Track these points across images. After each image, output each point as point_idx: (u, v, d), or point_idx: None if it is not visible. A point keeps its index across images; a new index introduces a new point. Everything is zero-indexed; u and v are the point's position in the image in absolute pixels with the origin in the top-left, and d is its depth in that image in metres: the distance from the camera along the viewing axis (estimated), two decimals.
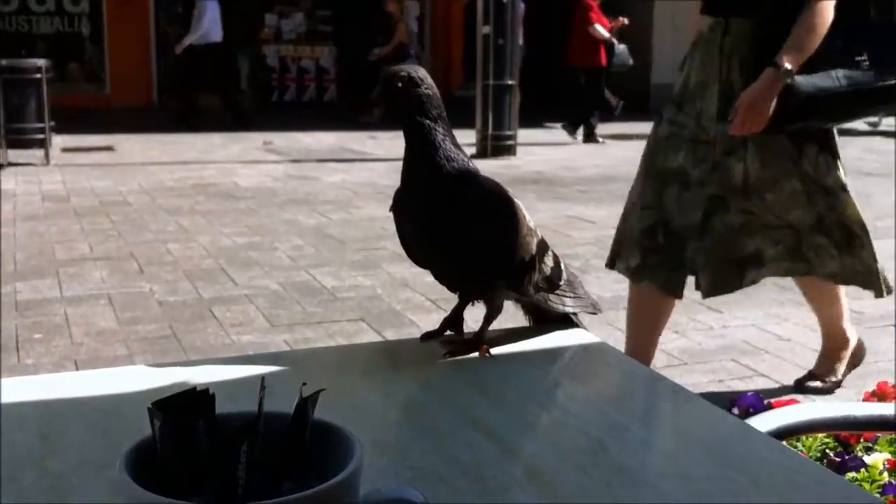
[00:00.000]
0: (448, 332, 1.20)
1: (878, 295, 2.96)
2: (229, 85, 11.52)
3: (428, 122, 1.14)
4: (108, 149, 9.47)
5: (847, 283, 2.94)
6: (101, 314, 3.96)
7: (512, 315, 1.30)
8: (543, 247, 1.18)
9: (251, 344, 3.61)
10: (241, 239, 5.41)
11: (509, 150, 9.29)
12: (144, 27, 14.30)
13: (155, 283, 4.45)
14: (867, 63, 2.61)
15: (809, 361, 3.46)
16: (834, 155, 2.94)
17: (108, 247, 5.20)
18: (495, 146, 9.25)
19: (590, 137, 10.71)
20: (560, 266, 1.21)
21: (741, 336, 3.74)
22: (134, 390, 0.99)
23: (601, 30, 10.41)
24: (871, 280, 2.92)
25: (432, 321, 3.83)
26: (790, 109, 2.55)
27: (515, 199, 1.17)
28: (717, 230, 2.81)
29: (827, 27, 2.51)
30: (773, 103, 2.54)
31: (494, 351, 1.14)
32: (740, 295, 4.29)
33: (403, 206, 1.19)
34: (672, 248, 2.89)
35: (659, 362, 3.46)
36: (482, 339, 1.15)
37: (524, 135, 9.80)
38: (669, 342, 3.66)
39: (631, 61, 11.00)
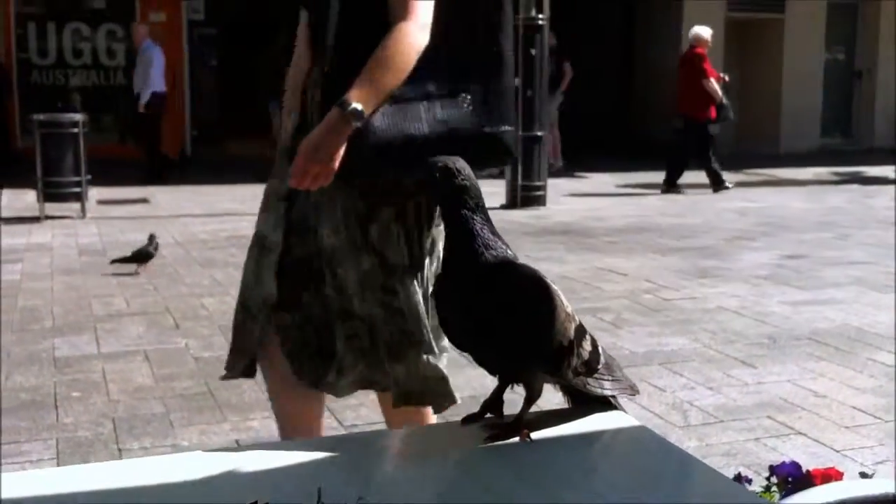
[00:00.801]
0: (488, 415, 1.23)
1: (441, 409, 2.18)
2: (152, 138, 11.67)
3: (466, 212, 1.17)
4: (143, 201, 9.62)
5: (403, 402, 2.10)
6: (137, 370, 4.00)
7: (552, 395, 1.32)
8: (581, 331, 1.21)
9: None
10: None
11: (539, 201, 9.33)
12: (179, 78, 14.54)
13: (191, 338, 4.50)
14: (468, 104, 1.98)
15: (847, 418, 3.44)
16: (419, 223, 2.08)
17: (144, 301, 5.26)
18: (525, 197, 9.30)
19: (672, 187, 10.68)
20: (598, 350, 1.23)
21: (777, 392, 3.72)
22: (184, 480, 1.02)
23: (715, 85, 10.42)
24: (429, 394, 2.11)
25: (466, 378, 3.84)
26: (361, 158, 1.93)
27: (553, 286, 1.20)
28: (309, 305, 2.15)
29: (411, 57, 1.90)
30: (342, 150, 1.92)
31: (534, 435, 1.16)
32: (775, 350, 4.29)
33: (444, 291, 1.22)
34: (243, 323, 2.29)
35: (694, 419, 3.44)
36: (522, 423, 1.17)
37: (553, 184, 9.85)
38: (704, 398, 3.65)
39: (732, 116, 11.02)
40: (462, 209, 1.17)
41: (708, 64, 10.51)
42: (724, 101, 10.60)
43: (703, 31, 10.74)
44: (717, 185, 10.58)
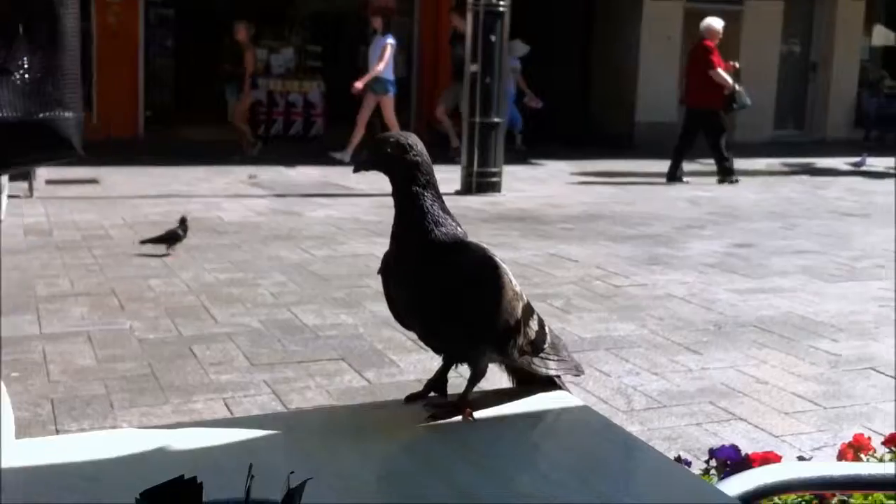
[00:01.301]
0: (432, 394, 1.22)
1: None
2: None
3: (417, 188, 1.16)
4: (93, 181, 9.46)
5: None
6: (79, 351, 3.94)
7: (496, 375, 1.32)
8: (529, 311, 1.20)
9: (230, 383, 3.60)
10: (224, 275, 5.41)
11: (494, 187, 9.34)
12: (133, 60, 14.32)
13: (135, 319, 4.44)
14: (17, 85, 1.48)
15: (787, 404, 3.49)
16: None
17: (89, 282, 5.18)
18: (480, 183, 9.30)
19: (673, 178, 10.70)
20: (545, 330, 1.23)
21: (720, 378, 3.77)
22: (120, 456, 1.00)
23: (724, 74, 10.46)
24: None
25: (413, 361, 3.84)
26: None
27: (502, 264, 1.19)
28: None
29: None
30: None
31: (478, 414, 1.15)
32: (720, 337, 4.34)
33: (392, 269, 1.21)
34: None
35: (638, 404, 3.48)
36: (466, 402, 1.16)
37: (509, 171, 9.87)
38: (648, 384, 3.68)
39: (749, 101, 11.07)
40: (413, 185, 1.16)
41: (717, 55, 10.58)
42: (738, 87, 10.71)
43: (715, 23, 10.84)
44: (724, 174, 10.65)
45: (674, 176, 10.71)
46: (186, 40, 16.66)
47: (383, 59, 11.36)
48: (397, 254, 1.17)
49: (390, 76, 11.51)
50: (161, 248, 5.93)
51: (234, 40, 12.89)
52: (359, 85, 11.47)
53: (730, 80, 10.54)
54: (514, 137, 13.60)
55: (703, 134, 10.76)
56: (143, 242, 5.96)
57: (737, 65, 11.23)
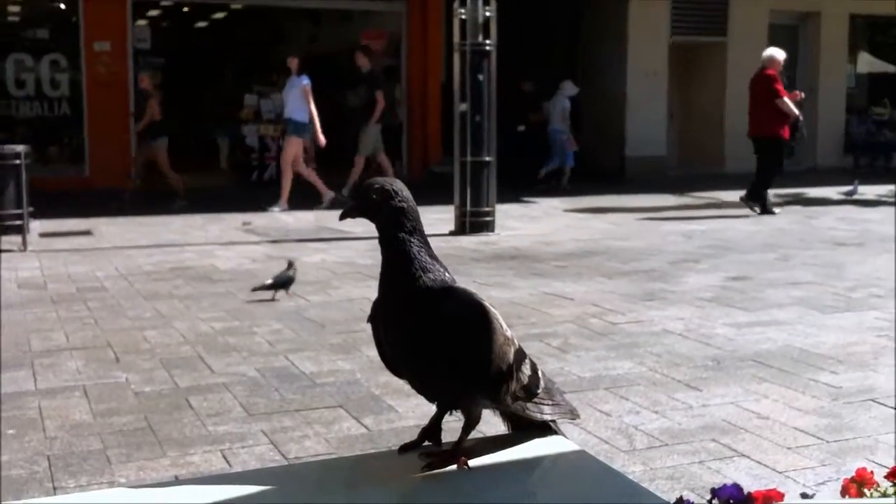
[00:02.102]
0: (426, 443, 1.21)
1: None
2: None
3: (403, 234, 1.16)
4: (86, 233, 9.45)
5: None
6: (75, 406, 3.91)
7: (492, 421, 1.30)
8: (521, 356, 1.19)
9: (228, 435, 3.57)
10: (219, 324, 5.38)
11: (488, 227, 9.35)
12: (124, 109, 14.38)
13: (131, 372, 4.41)
14: None
15: (789, 439, 3.46)
16: None
17: (84, 335, 5.16)
18: (473, 223, 9.31)
19: (764, 209, 10.79)
20: (538, 374, 1.22)
21: (721, 414, 3.74)
22: None
23: (790, 103, 10.57)
24: None
25: (411, 406, 3.81)
26: None
27: (492, 309, 1.19)
28: None
29: None
30: None
31: (473, 462, 1.14)
32: (719, 372, 4.32)
33: (381, 316, 1.20)
34: None
35: (639, 443, 3.45)
36: (461, 451, 1.15)
37: (502, 210, 9.89)
38: (649, 422, 3.65)
39: (806, 133, 11.31)
40: (400, 232, 1.16)
41: (780, 84, 10.69)
42: (801, 118, 10.87)
43: (777, 53, 10.96)
44: (752, 199, 10.77)
45: (765, 208, 10.79)
46: (177, 87, 16.77)
47: (310, 102, 11.29)
48: (385, 301, 1.17)
49: (304, 118, 11.36)
50: (269, 294, 6.02)
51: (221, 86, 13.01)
52: (321, 138, 11.45)
53: (795, 109, 10.68)
54: (562, 177, 13.91)
55: (758, 158, 10.87)
56: (255, 290, 6.04)
57: (802, 94, 11.41)
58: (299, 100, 11.32)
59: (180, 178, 11.94)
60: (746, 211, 11.00)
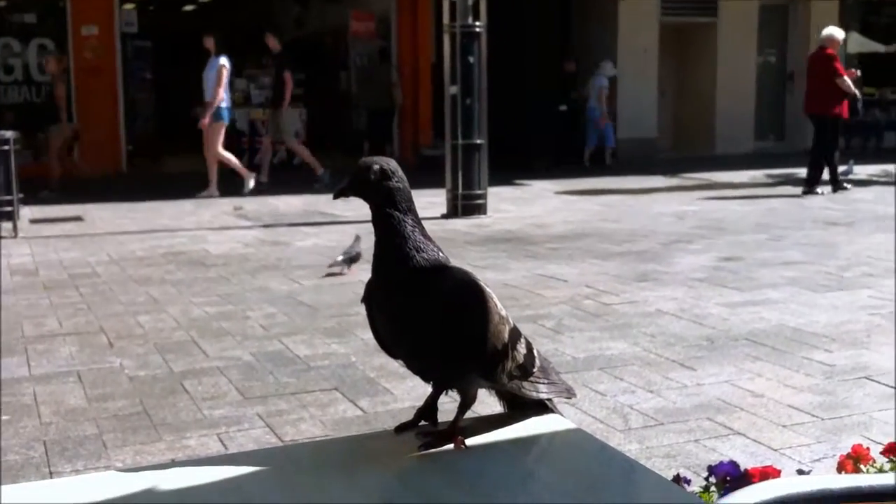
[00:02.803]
0: (422, 423, 1.20)
1: None
2: None
3: (398, 213, 1.15)
4: (77, 219, 9.42)
5: None
6: (70, 392, 3.90)
7: (487, 400, 1.30)
8: (516, 335, 1.19)
9: (223, 418, 3.56)
10: (213, 308, 5.37)
11: (479, 210, 9.34)
12: (113, 94, 14.31)
13: (125, 357, 4.40)
14: None
15: (784, 417, 3.47)
16: None
17: (77, 321, 5.14)
18: (465, 205, 9.30)
19: (837, 185, 10.94)
20: (533, 353, 1.22)
21: (715, 393, 3.75)
22: (108, 499, 0.98)
23: (849, 82, 10.72)
24: None
25: (406, 388, 3.81)
26: None
27: (486, 288, 1.18)
28: None
29: None
30: None
31: (469, 441, 1.14)
32: (713, 352, 4.33)
33: (375, 297, 1.19)
34: None
35: (635, 423, 3.46)
36: (457, 430, 1.15)
37: (494, 192, 9.87)
38: (644, 402, 3.66)
39: (861, 108, 11.66)
40: (394, 211, 1.15)
41: (839, 62, 10.87)
42: (858, 95, 11.12)
43: (836, 32, 11.17)
44: (811, 184, 10.86)
45: (838, 183, 10.91)
46: (165, 71, 16.68)
47: (221, 84, 10.76)
48: (379, 282, 1.16)
49: (225, 102, 10.93)
50: (344, 268, 6.27)
51: None
52: (205, 122, 10.88)
53: (853, 87, 10.85)
54: (605, 155, 14.42)
55: (816, 136, 11.02)
56: (331, 266, 6.28)
57: (858, 72, 11.64)
58: (217, 82, 10.79)
59: (61, 170, 11.47)
60: (737, 191, 11.00)
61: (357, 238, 6.34)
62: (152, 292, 5.83)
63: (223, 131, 11.09)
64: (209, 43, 11.04)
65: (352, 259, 6.29)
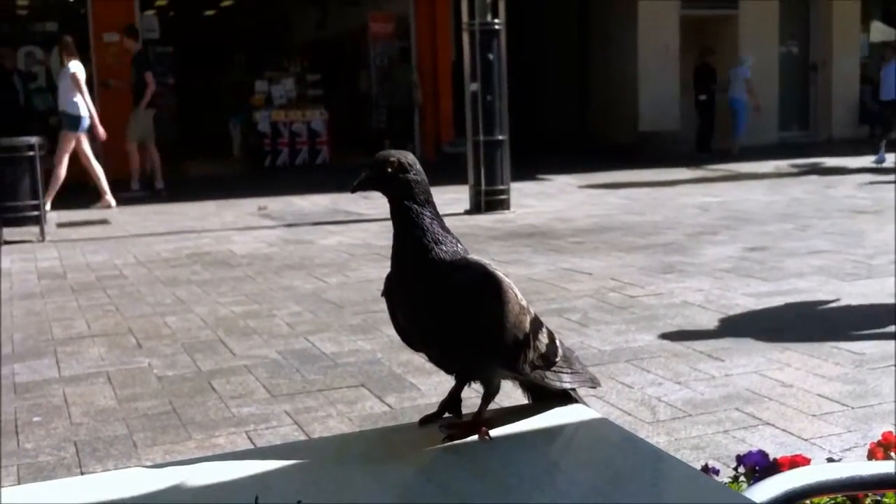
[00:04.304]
0: (446, 415, 1.20)
1: None
2: None
3: (416, 206, 1.15)
4: (103, 222, 9.50)
5: None
6: (99, 392, 3.93)
7: (511, 392, 1.30)
8: (537, 325, 1.18)
9: (252, 416, 3.58)
10: (239, 308, 5.40)
11: (503, 205, 9.33)
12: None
13: (153, 357, 4.43)
14: None
15: (814, 406, 3.44)
16: None
17: (105, 322, 5.18)
18: (489, 201, 9.29)
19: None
20: (555, 342, 1.21)
21: (744, 384, 3.72)
22: (133, 495, 0.98)
23: None
24: None
25: (433, 383, 3.81)
26: None
27: (506, 279, 1.18)
28: None
29: None
30: None
31: (493, 433, 1.13)
32: (740, 342, 4.30)
33: (395, 290, 1.19)
34: None
35: (663, 415, 3.44)
36: (481, 422, 1.14)
37: (516, 188, 9.86)
38: (672, 393, 3.64)
39: None
40: (413, 203, 1.15)
41: None
42: None
43: None
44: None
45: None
46: (187, 76, 16.78)
47: (81, 91, 10.09)
48: (398, 274, 1.16)
49: (77, 111, 10.16)
50: None
51: (233, 73, 12.87)
52: (101, 133, 10.34)
53: None
54: (732, 146, 14.90)
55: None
56: None
57: None
58: (71, 90, 10.16)
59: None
60: (762, 182, 10.91)
61: None
62: (179, 293, 5.87)
63: (76, 141, 10.26)
64: (62, 48, 10.45)
65: None
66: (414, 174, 1.16)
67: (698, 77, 15.25)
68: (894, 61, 13.91)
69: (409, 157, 1.18)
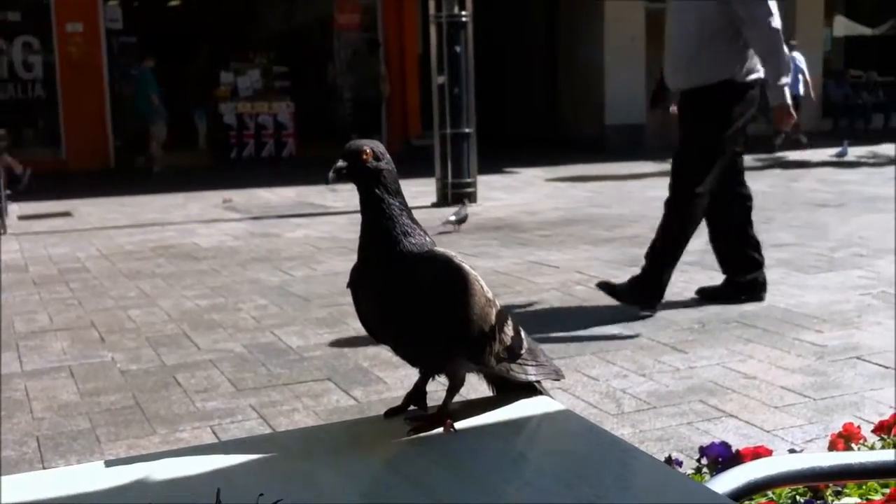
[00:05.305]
0: (412, 408, 1.20)
1: None
2: None
3: (387, 196, 1.15)
4: (66, 214, 9.39)
5: None
6: (62, 387, 3.89)
7: (476, 385, 1.30)
8: (503, 317, 1.18)
9: (216, 410, 3.56)
10: (204, 301, 5.36)
11: (469, 197, 9.33)
12: (99, 90, 14.26)
13: (117, 351, 4.39)
14: None
15: (776, 398, 3.48)
16: None
17: (68, 316, 5.13)
18: (455, 194, 9.30)
19: None
20: (521, 335, 1.21)
21: (707, 376, 3.76)
22: (93, 490, 0.97)
23: None
24: None
25: (399, 377, 3.81)
26: None
27: (472, 271, 1.18)
28: None
29: None
30: None
31: (458, 425, 1.13)
32: (704, 335, 4.34)
33: (361, 281, 1.19)
34: None
35: (628, 407, 3.46)
36: (446, 414, 1.14)
37: (483, 181, 9.87)
38: (637, 385, 3.67)
39: None
40: (383, 193, 1.15)
41: None
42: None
43: None
44: None
45: None
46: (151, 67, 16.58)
47: None
48: (365, 265, 1.15)
49: None
50: (456, 227, 7.52)
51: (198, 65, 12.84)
52: None
53: None
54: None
55: None
56: (444, 224, 7.46)
57: None
58: None
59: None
60: None
61: (463, 201, 8.09)
62: (143, 286, 5.82)
63: None
64: None
65: (461, 220, 7.54)
66: (386, 163, 1.16)
67: None
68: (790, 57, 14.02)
69: (380, 147, 1.17)
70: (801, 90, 15.08)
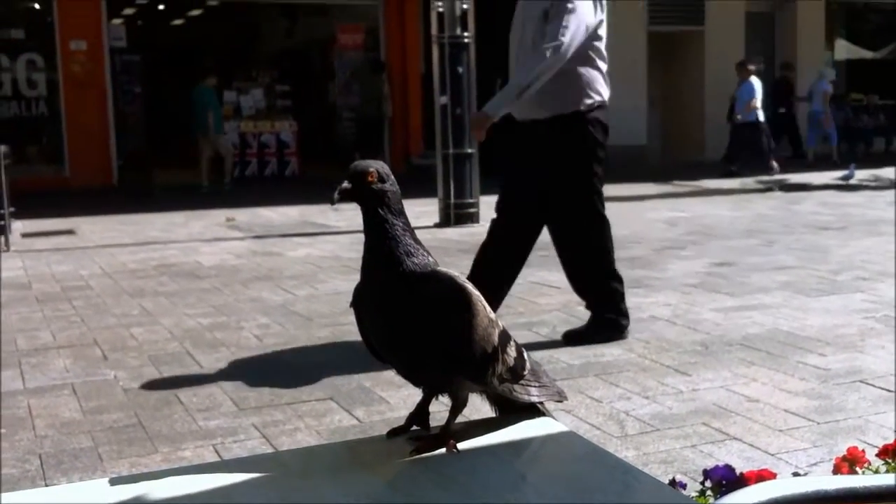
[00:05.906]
0: (414, 428, 1.20)
1: None
2: None
3: (391, 216, 1.15)
4: (69, 232, 9.40)
5: None
6: (64, 404, 3.88)
7: (479, 406, 1.30)
8: (505, 338, 1.19)
9: (219, 429, 3.55)
10: (206, 320, 5.36)
11: (472, 218, 9.34)
12: (102, 108, 14.31)
13: (119, 369, 4.39)
14: None
15: (780, 421, 3.47)
16: None
17: (70, 334, 5.12)
18: (458, 214, 9.31)
19: None
20: (523, 356, 1.22)
21: (711, 398, 3.75)
22: None
23: None
24: None
25: (402, 397, 3.80)
26: None
27: (475, 291, 1.18)
28: None
29: None
30: None
31: (461, 445, 1.13)
32: (708, 357, 4.33)
33: (365, 301, 1.19)
34: None
35: (631, 429, 3.45)
36: (449, 434, 1.14)
37: (486, 201, 9.86)
38: (640, 408, 3.66)
39: None
40: (387, 214, 1.15)
41: None
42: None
43: None
44: None
45: None
46: (154, 85, 16.67)
47: None
48: (368, 285, 1.16)
49: None
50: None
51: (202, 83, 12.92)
52: None
53: None
54: (832, 152, 15.57)
55: None
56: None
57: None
58: None
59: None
60: (728, 197, 11.01)
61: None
62: (145, 304, 5.82)
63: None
64: None
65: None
66: (390, 184, 1.17)
67: (777, 91, 15.95)
68: (747, 82, 14.06)
69: (385, 168, 1.18)
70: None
